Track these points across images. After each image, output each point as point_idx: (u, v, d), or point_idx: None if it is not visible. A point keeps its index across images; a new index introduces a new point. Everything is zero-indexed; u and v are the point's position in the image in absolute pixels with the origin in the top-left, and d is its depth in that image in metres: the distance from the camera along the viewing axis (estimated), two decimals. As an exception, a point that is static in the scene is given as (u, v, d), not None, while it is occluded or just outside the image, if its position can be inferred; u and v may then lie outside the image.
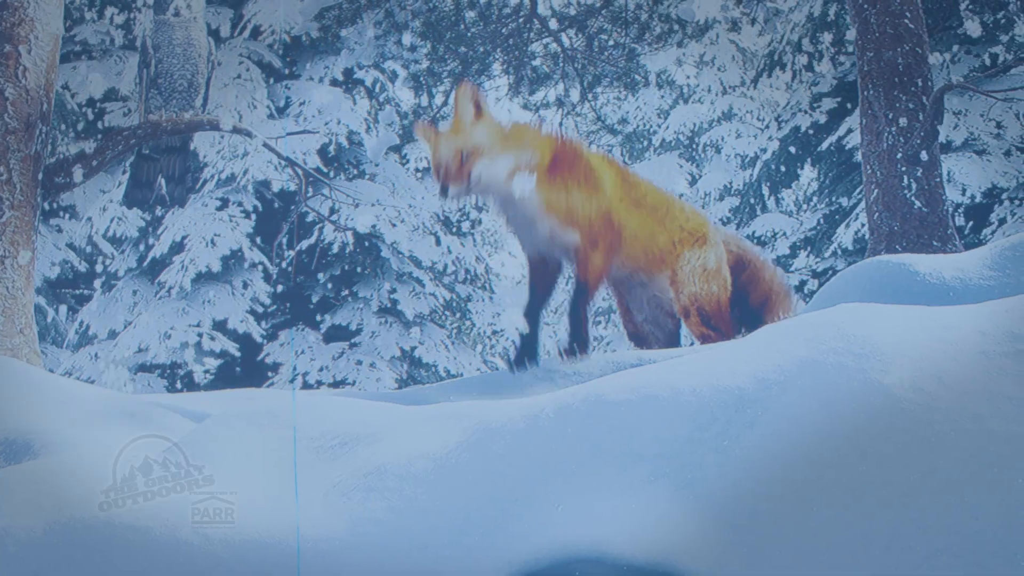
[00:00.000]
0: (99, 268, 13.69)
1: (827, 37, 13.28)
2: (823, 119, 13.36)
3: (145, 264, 13.34)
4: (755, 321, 4.45)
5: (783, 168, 14.80)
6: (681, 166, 17.45)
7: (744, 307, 4.54)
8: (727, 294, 4.38)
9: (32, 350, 4.98)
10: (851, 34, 6.36)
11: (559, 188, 3.97)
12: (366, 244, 13.42)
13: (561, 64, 9.98)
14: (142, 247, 13.51)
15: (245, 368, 12.95)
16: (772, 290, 4.61)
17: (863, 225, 11.32)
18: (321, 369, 12.96)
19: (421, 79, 10.40)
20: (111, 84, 12.80)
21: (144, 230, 13.46)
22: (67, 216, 13.59)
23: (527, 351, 3.96)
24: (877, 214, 5.94)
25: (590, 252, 3.98)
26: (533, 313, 4.06)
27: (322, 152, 13.25)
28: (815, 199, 14.95)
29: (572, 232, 3.97)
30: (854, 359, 2.28)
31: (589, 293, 4.00)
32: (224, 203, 13.07)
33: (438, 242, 14.04)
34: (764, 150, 15.04)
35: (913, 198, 5.83)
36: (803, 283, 13.23)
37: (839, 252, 12.64)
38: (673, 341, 4.52)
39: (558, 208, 3.96)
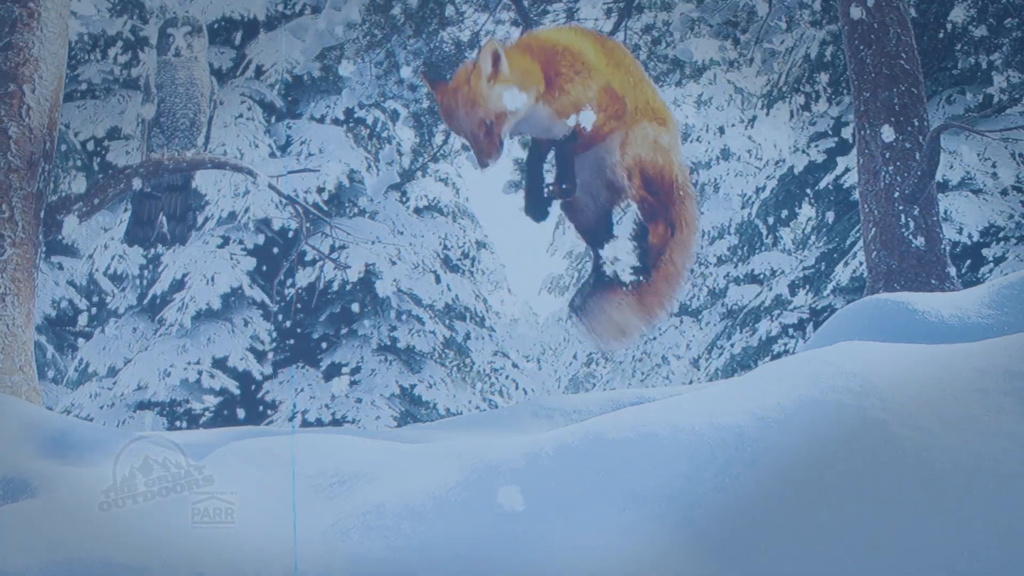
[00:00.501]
0: (98, 304, 13.70)
1: (823, 77, 13.40)
2: (821, 158, 13.45)
3: (145, 302, 13.35)
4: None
5: (781, 207, 14.87)
6: (680, 204, 17.49)
7: None
8: (671, 173, 4.45)
9: (31, 387, 4.96)
10: (848, 74, 6.42)
11: (561, 95, 4.11)
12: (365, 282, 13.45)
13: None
14: (142, 284, 13.53)
15: (245, 406, 12.91)
16: (687, 222, 4.69)
17: (861, 263, 11.34)
18: (321, 407, 12.93)
19: (422, 118, 10.47)
20: (113, 123, 12.89)
21: (145, 267, 13.48)
22: (67, 253, 13.62)
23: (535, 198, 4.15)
24: (875, 252, 5.95)
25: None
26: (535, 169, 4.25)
27: (322, 190, 13.32)
28: (813, 237, 15.00)
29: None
30: (853, 397, 2.29)
31: (580, 143, 4.11)
32: (225, 241, 13.10)
33: (438, 280, 14.07)
34: (762, 189, 15.12)
35: (911, 237, 5.85)
36: (802, 321, 13.23)
37: (838, 290, 12.65)
38: (605, 218, 4.55)
39: (566, 111, 4.11)
